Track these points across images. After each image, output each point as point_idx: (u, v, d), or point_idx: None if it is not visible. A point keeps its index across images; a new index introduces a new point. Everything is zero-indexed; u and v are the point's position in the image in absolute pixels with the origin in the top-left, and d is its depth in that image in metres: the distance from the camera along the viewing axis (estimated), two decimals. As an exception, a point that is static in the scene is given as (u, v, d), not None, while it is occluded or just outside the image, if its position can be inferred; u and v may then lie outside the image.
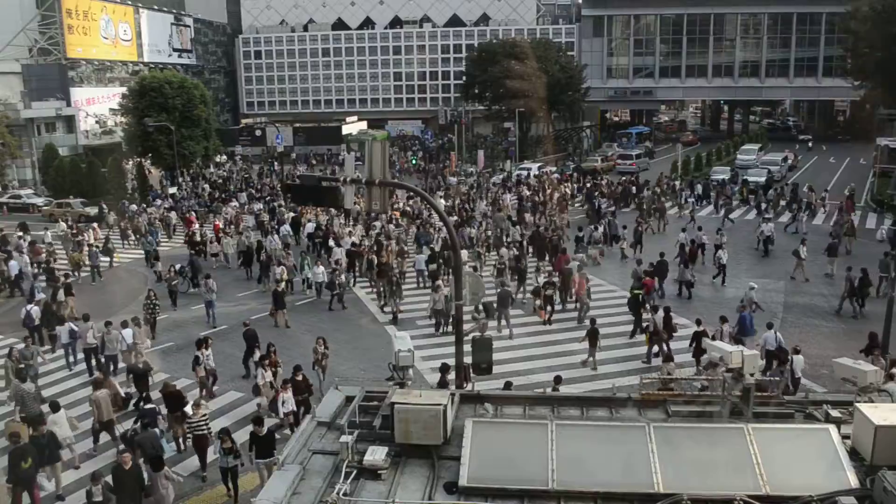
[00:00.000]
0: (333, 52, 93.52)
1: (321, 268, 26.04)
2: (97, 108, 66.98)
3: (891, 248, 28.21)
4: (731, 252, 28.71)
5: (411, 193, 37.50)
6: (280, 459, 6.99)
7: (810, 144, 69.64)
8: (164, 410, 15.75)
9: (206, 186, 52.22)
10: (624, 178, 49.59)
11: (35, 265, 29.95)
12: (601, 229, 32.72)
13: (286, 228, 34.40)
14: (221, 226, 35.41)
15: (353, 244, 29.75)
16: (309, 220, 35.51)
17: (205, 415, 13.89)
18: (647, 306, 21.92)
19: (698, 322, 19.02)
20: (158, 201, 46.10)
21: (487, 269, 27.83)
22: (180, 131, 49.10)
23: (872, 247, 30.21)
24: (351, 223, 35.14)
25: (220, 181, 55.14)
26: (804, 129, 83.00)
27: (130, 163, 57.58)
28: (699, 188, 44.55)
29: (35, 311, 22.07)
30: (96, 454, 15.55)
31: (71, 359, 20.44)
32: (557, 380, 15.78)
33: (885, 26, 49.67)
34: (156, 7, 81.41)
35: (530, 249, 30.21)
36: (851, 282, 23.15)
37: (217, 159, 64.69)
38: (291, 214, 36.57)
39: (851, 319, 22.77)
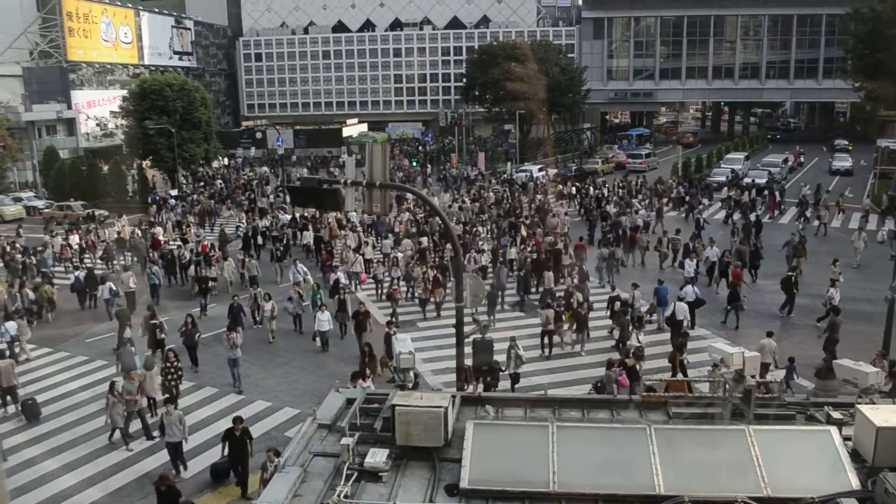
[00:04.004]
0: (334, 55, 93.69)
1: (326, 314, 21.48)
2: (98, 110, 66.94)
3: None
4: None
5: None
6: (281, 462, 6.98)
7: (802, 159, 61.17)
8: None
9: (219, 182, 51.83)
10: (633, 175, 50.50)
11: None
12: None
13: (286, 218, 34.68)
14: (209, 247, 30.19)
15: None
16: (287, 214, 35.91)
17: None
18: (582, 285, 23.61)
19: (612, 287, 23.02)
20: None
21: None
22: (181, 134, 49.07)
23: (874, 248, 30.13)
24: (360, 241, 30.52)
25: (243, 183, 52.55)
26: (793, 130, 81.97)
27: (146, 164, 54.49)
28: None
29: (82, 275, 26.23)
30: (9, 418, 17.34)
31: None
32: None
33: (886, 27, 49.67)
34: (156, 10, 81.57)
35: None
36: (721, 260, 25.52)
37: (216, 162, 64.46)
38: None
39: (851, 320, 22.68)
